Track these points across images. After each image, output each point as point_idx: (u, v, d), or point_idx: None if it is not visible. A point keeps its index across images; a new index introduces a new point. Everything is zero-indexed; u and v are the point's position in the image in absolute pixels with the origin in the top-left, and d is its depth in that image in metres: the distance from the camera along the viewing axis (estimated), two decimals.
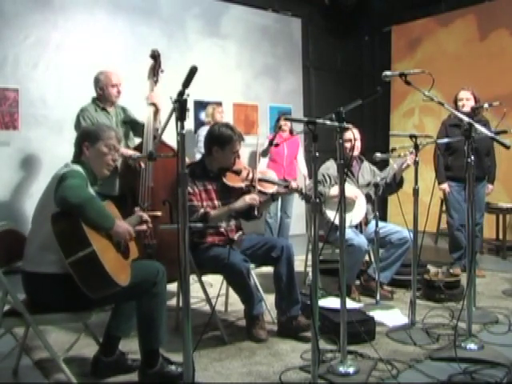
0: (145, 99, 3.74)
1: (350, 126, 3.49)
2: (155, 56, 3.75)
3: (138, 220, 2.51)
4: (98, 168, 2.43)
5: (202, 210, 2.94)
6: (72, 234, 2.09)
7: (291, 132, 5.70)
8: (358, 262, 3.66)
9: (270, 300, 3.29)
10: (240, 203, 2.98)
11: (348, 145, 3.71)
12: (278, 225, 5.90)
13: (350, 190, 3.66)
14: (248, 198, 2.96)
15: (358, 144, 3.81)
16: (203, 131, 5.39)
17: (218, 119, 5.41)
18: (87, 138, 2.40)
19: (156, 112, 3.69)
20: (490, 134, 2.84)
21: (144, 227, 2.53)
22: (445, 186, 4.45)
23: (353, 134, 3.66)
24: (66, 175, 2.18)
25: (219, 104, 6.00)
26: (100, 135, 2.41)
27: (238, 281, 2.88)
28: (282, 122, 5.57)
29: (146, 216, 2.52)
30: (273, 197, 3.13)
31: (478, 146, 4.06)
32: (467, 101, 4.29)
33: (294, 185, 3.09)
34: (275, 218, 5.78)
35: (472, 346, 2.69)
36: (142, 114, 3.78)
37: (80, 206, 2.09)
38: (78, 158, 2.41)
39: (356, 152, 3.84)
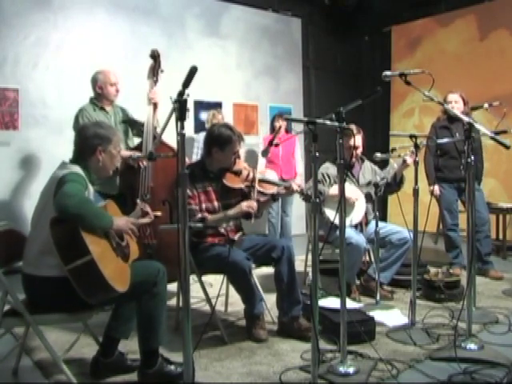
0: (146, 97, 3.74)
1: (354, 129, 3.53)
2: (155, 56, 3.75)
3: (139, 213, 2.51)
4: (107, 170, 2.45)
5: (199, 215, 2.94)
6: (70, 241, 2.08)
7: (287, 131, 5.71)
8: (358, 261, 3.66)
9: (270, 300, 3.30)
10: (236, 210, 2.98)
11: (351, 148, 3.71)
12: (279, 224, 5.91)
13: (350, 190, 3.66)
14: (245, 206, 2.95)
15: (359, 151, 3.85)
16: (201, 137, 5.38)
17: None
18: (101, 142, 2.38)
19: (155, 109, 3.70)
20: (489, 133, 2.84)
21: (147, 220, 2.54)
22: (435, 188, 4.46)
23: (361, 140, 3.78)
24: (65, 178, 2.17)
25: (219, 109, 5.97)
26: (111, 139, 2.42)
27: (240, 279, 2.88)
28: (277, 123, 5.58)
29: (146, 207, 2.53)
30: (273, 197, 3.13)
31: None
32: (456, 103, 4.29)
33: (294, 186, 3.08)
34: (277, 218, 5.79)
35: (472, 345, 2.69)
36: (142, 114, 3.78)
37: (79, 216, 2.08)
38: (80, 159, 2.38)
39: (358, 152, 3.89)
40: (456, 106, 4.26)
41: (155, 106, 3.71)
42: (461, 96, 4.34)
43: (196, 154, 5.49)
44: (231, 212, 3.00)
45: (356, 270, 3.72)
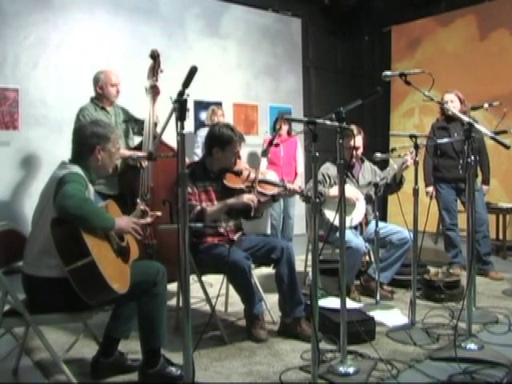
0: (145, 89, 3.75)
1: (354, 129, 3.52)
2: (155, 56, 3.76)
3: (140, 213, 2.52)
4: (106, 168, 2.45)
5: (198, 207, 2.93)
6: (71, 242, 2.08)
7: (289, 133, 5.70)
8: (356, 264, 3.66)
9: (270, 300, 3.30)
10: (236, 200, 2.97)
11: (351, 149, 3.70)
12: (281, 226, 5.90)
13: (350, 191, 3.66)
14: (246, 198, 2.95)
15: (360, 151, 3.85)
16: (202, 132, 5.39)
17: (216, 122, 5.40)
18: (100, 141, 2.38)
19: (154, 100, 3.69)
20: (489, 133, 2.84)
21: (148, 220, 2.54)
22: (430, 189, 4.46)
23: (362, 140, 3.78)
24: (65, 178, 2.16)
25: (219, 106, 5.98)
26: (109, 137, 2.42)
27: (239, 278, 2.87)
28: (278, 126, 5.56)
29: (144, 207, 2.53)
30: (274, 198, 3.13)
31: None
32: (452, 103, 4.31)
33: (295, 187, 3.08)
34: (279, 220, 5.78)
35: (472, 346, 2.69)
36: (142, 114, 3.78)
37: (80, 216, 2.08)
38: (80, 159, 2.38)
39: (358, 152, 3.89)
40: (452, 105, 4.28)
41: (155, 92, 3.70)
42: (456, 95, 4.35)
43: (197, 147, 5.46)
44: (231, 201, 2.98)
45: (355, 272, 3.72)
